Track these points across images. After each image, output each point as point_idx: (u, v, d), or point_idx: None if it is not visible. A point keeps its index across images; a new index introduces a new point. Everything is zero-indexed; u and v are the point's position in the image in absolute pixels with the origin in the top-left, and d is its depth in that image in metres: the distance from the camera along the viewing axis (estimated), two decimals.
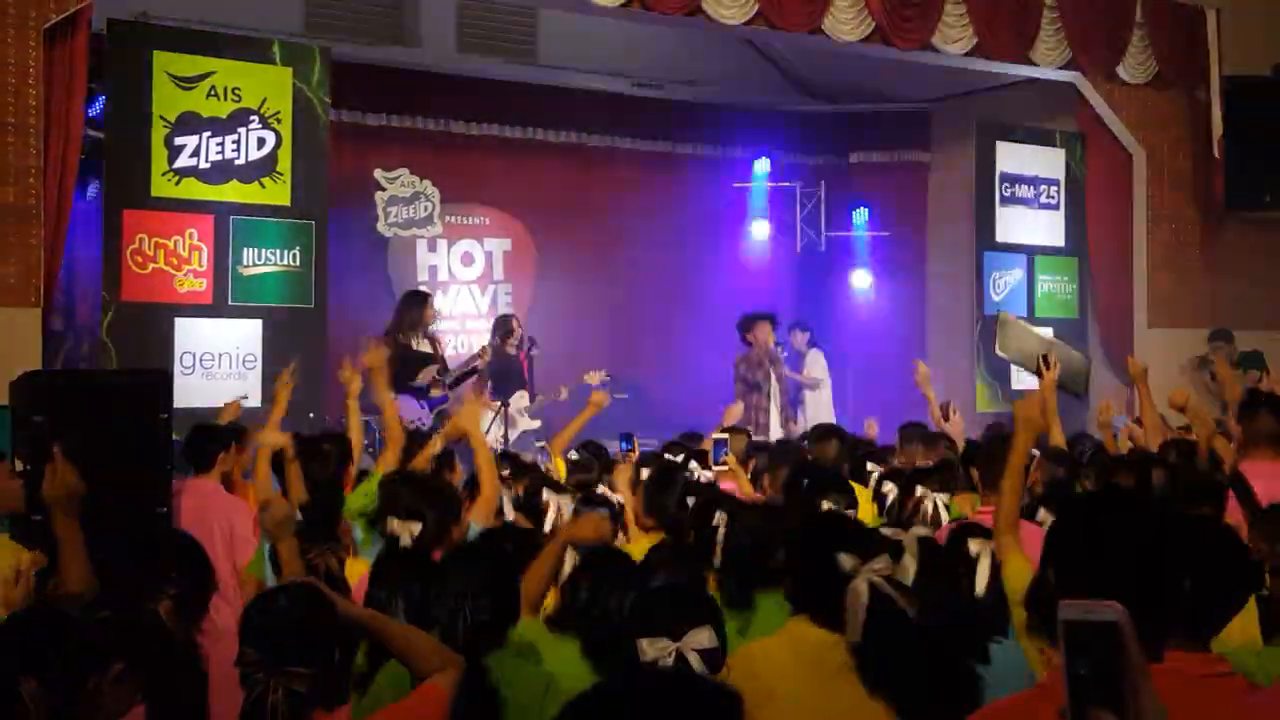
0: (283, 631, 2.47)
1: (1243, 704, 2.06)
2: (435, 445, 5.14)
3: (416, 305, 8.98)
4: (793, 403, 10.43)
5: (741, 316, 10.08)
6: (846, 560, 2.77)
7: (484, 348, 9.25)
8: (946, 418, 7.25)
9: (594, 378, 9.18)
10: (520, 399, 9.21)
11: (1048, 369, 6.21)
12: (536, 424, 9.32)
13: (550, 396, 9.26)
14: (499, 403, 8.90)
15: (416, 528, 3.75)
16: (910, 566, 3.02)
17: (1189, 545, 2.22)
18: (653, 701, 1.50)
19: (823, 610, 2.82)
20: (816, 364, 10.75)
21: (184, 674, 2.85)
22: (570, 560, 3.45)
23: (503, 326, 9.61)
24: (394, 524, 3.79)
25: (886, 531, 3.17)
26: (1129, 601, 1.93)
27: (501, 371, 9.25)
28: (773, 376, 9.76)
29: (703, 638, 2.50)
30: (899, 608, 2.74)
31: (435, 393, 8.84)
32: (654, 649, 2.45)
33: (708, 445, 5.97)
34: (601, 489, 5.07)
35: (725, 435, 6.06)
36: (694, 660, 2.47)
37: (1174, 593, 2.03)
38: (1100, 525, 2.09)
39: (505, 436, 8.80)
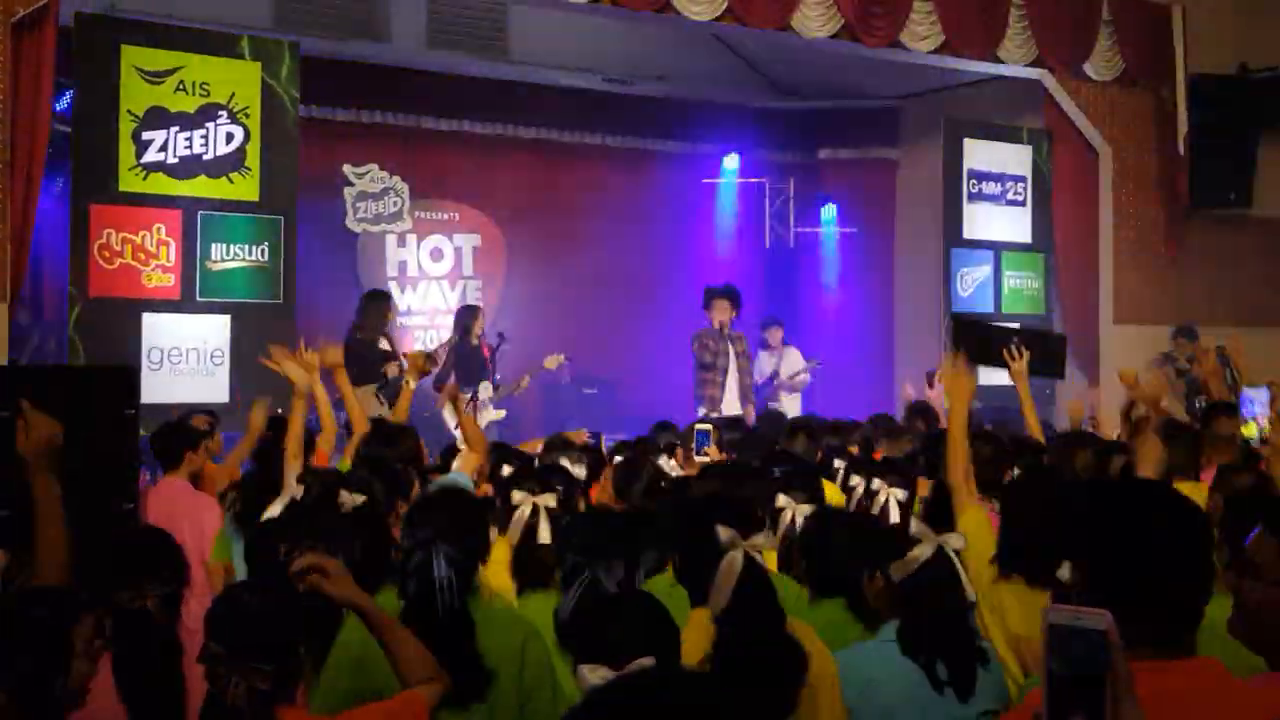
0: (247, 628, 2.47)
1: (1249, 694, 2.05)
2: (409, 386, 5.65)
3: (377, 304, 9.09)
4: (771, 400, 10.34)
5: (705, 290, 9.81)
6: (724, 533, 2.76)
7: (438, 348, 9.33)
8: (931, 385, 7.24)
9: (552, 362, 9.27)
10: (484, 390, 9.27)
11: (1015, 358, 6.21)
12: (501, 414, 9.37)
13: (511, 389, 9.35)
14: (467, 394, 8.95)
15: (360, 499, 3.76)
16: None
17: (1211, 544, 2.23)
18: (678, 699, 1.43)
19: (705, 589, 2.81)
20: (797, 361, 10.70)
21: (170, 670, 2.84)
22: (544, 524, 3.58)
23: (465, 318, 9.63)
24: (344, 495, 3.78)
25: (915, 530, 3.14)
26: (1166, 598, 1.94)
27: (465, 363, 9.29)
28: (731, 354, 9.45)
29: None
30: (769, 586, 2.75)
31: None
32: (594, 676, 2.34)
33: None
34: (564, 461, 5.15)
35: (708, 426, 6.07)
36: None
37: (1203, 590, 2.01)
38: (1144, 518, 2.04)
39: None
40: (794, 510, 3.91)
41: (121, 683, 2.65)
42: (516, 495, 3.78)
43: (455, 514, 3.11)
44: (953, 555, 3.01)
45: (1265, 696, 2.10)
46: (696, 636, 2.72)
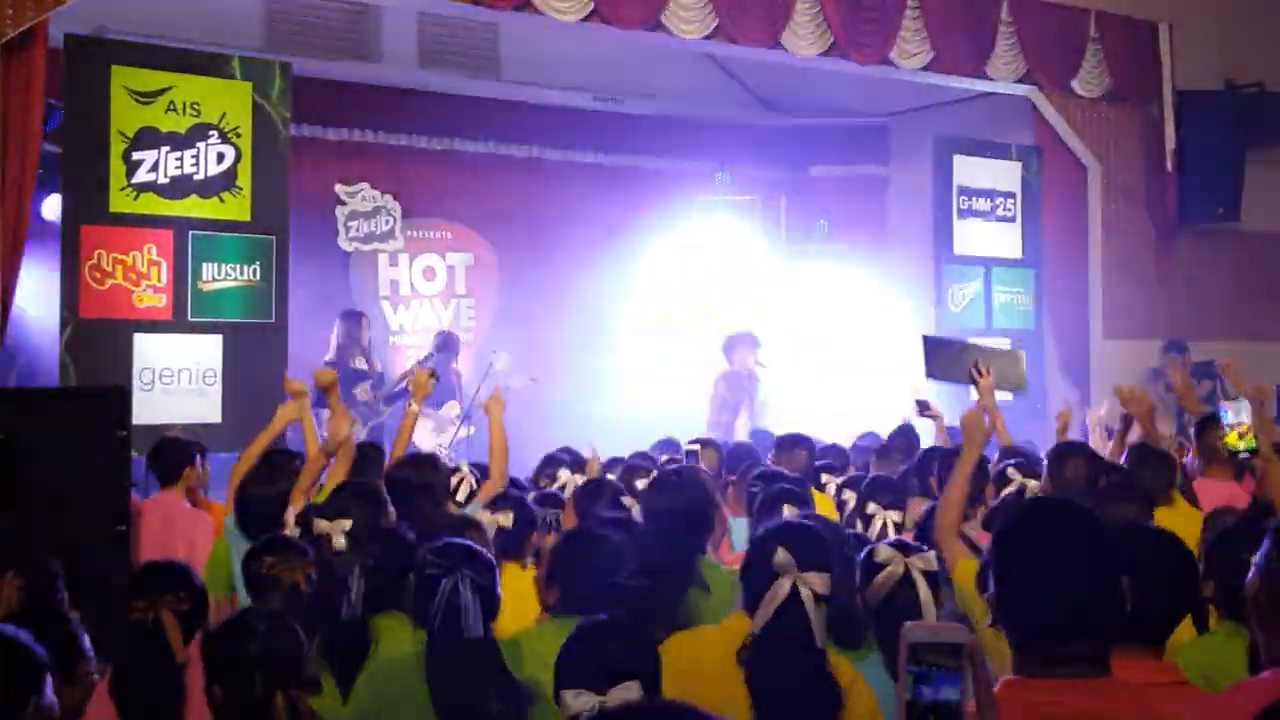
0: (252, 666, 2.46)
1: (1189, 710, 2.08)
2: (413, 409, 5.71)
3: (348, 324, 9.17)
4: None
5: (726, 338, 10.17)
6: (782, 556, 2.81)
7: (415, 369, 9.39)
8: (921, 412, 7.28)
9: (501, 360, 9.32)
10: (450, 408, 9.36)
11: (981, 376, 6.25)
12: (470, 430, 9.46)
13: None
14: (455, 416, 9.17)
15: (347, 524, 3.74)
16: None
17: (1128, 551, 2.25)
18: None
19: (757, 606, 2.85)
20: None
21: (172, 685, 2.82)
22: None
23: (452, 347, 9.71)
24: (321, 524, 3.73)
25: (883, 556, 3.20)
26: (1072, 608, 1.97)
27: (439, 384, 9.42)
28: (754, 398, 9.79)
29: (627, 694, 2.40)
30: (808, 621, 2.78)
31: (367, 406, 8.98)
32: (577, 703, 2.38)
33: None
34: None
35: (695, 448, 6.07)
36: None
37: (1112, 598, 2.03)
38: (1039, 533, 2.09)
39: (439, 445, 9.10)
40: None
41: (118, 693, 2.64)
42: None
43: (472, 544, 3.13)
44: (918, 575, 3.08)
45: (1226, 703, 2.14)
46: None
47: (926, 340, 7.26)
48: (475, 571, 2.94)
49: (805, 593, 2.76)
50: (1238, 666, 2.72)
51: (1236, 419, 5.58)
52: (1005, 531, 2.14)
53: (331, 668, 2.94)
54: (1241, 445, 5.54)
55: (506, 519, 3.70)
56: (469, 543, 3.14)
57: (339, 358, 9.10)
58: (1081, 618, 2.00)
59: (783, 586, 2.76)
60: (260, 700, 2.42)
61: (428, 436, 9.37)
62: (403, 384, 9.21)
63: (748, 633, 2.82)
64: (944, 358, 6.73)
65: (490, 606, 2.97)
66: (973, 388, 6.08)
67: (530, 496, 4.84)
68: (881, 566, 3.14)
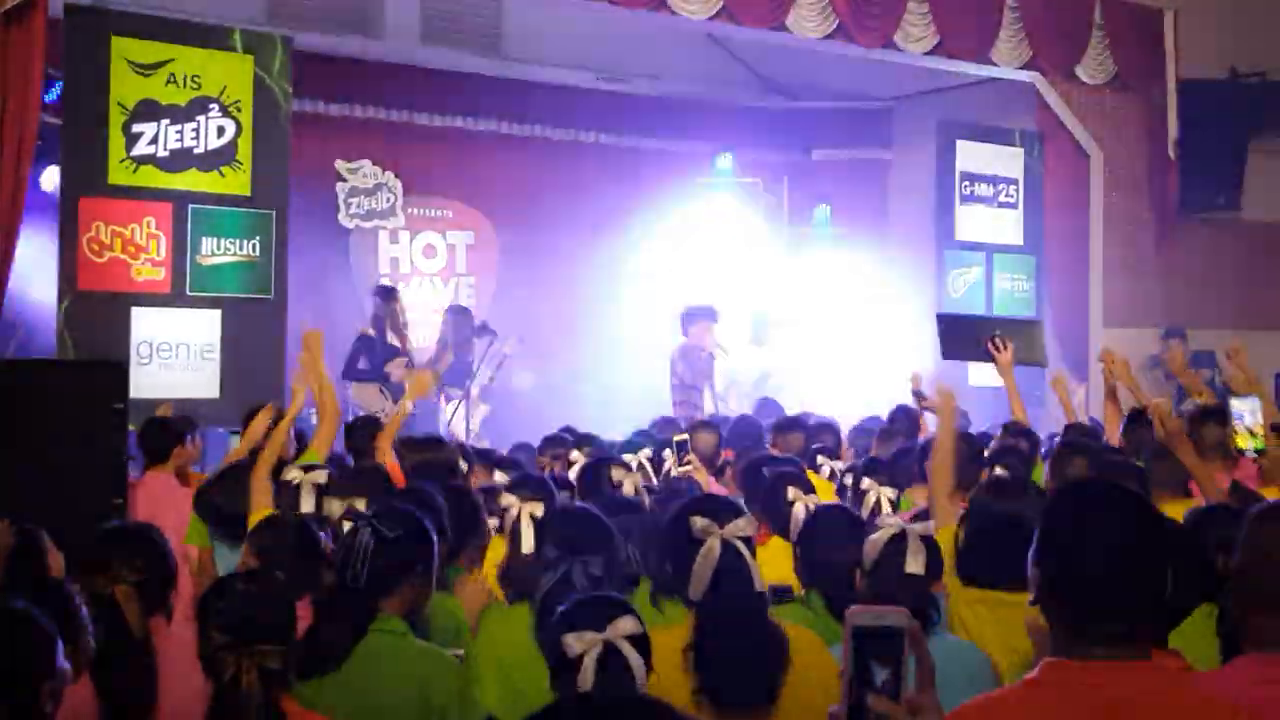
0: (249, 610, 2.45)
1: (1201, 693, 2.07)
2: (405, 408, 5.39)
3: (389, 299, 9.16)
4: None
5: (685, 309, 9.80)
6: (699, 522, 2.76)
7: (446, 351, 9.39)
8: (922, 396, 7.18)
9: (509, 346, 9.32)
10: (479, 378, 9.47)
11: (999, 351, 6.20)
12: (485, 408, 9.46)
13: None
14: (460, 391, 9.18)
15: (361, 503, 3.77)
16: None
17: (1165, 543, 2.21)
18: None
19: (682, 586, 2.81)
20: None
21: (136, 659, 2.80)
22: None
23: (476, 328, 9.68)
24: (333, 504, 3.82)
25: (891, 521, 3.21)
26: (1119, 590, 1.95)
27: (456, 364, 9.53)
28: (710, 374, 9.54)
29: (628, 625, 2.45)
30: (747, 574, 2.73)
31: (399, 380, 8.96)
32: (580, 643, 2.40)
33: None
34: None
35: (686, 436, 6.05)
36: (625, 648, 2.42)
37: (1157, 582, 2.02)
38: (1090, 513, 2.06)
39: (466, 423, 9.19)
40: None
41: (95, 668, 2.62)
42: (506, 499, 3.73)
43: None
44: (910, 533, 3.08)
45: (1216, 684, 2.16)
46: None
47: (941, 318, 7.20)
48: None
49: (736, 542, 2.72)
50: (1210, 647, 2.73)
51: (1252, 419, 5.56)
52: (1053, 510, 2.12)
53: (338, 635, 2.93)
54: (1251, 445, 5.51)
55: (538, 509, 3.65)
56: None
57: (378, 333, 9.05)
58: (1127, 600, 1.98)
59: (712, 548, 2.72)
60: (234, 662, 2.40)
61: (460, 414, 9.44)
62: (435, 363, 9.29)
63: (689, 617, 2.75)
64: (960, 336, 6.66)
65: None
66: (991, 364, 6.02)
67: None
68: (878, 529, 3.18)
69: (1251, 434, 5.52)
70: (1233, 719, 1.97)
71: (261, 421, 5.31)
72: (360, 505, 3.72)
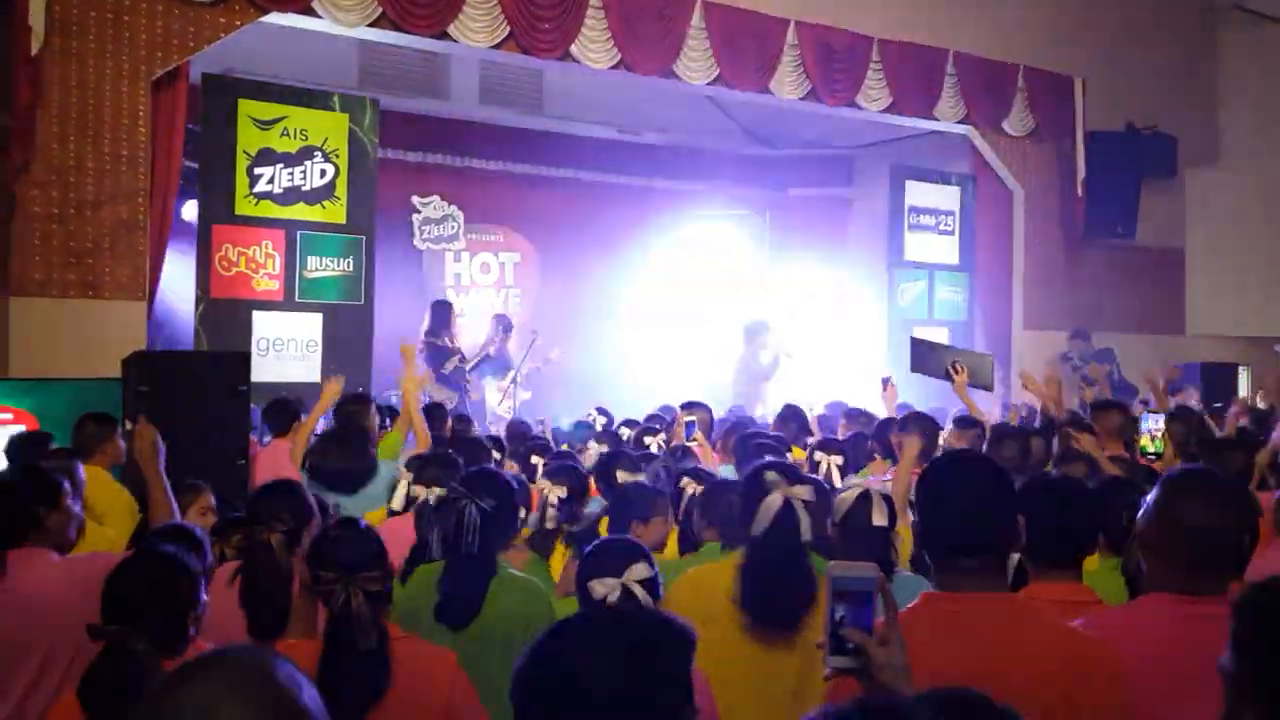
0: (353, 547, 2.44)
1: (1087, 622, 2.11)
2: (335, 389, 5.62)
3: (445, 311, 9.22)
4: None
5: (748, 323, 9.87)
6: (771, 476, 2.74)
7: (490, 343, 9.50)
8: (885, 388, 7.18)
9: (555, 354, 9.38)
10: (503, 379, 9.54)
11: (957, 374, 6.27)
12: (526, 395, 9.50)
13: (537, 362, 9.47)
14: (509, 382, 9.23)
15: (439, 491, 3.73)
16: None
17: (1022, 494, 2.26)
18: (614, 633, 1.41)
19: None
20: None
21: (283, 590, 2.79)
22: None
23: (507, 326, 9.79)
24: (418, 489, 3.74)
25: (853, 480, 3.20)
26: (971, 528, 1.99)
27: (500, 359, 9.61)
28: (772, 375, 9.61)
29: (640, 569, 2.45)
30: (798, 526, 2.68)
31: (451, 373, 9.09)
32: (603, 587, 2.40)
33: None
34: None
35: (693, 417, 6.09)
36: (637, 590, 2.41)
37: (1004, 524, 2.04)
38: (949, 473, 2.11)
39: (513, 408, 9.18)
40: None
41: (245, 598, 2.65)
42: (540, 484, 3.81)
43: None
44: (873, 492, 2.98)
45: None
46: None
47: (914, 341, 7.25)
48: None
49: (796, 502, 2.71)
50: (1118, 593, 2.71)
51: (1155, 426, 5.67)
52: (924, 474, 2.16)
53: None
54: (1151, 448, 5.61)
55: (563, 491, 3.67)
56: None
57: (436, 337, 9.10)
58: (976, 537, 2.00)
59: (776, 499, 2.69)
60: (344, 589, 2.39)
61: (492, 398, 9.48)
62: (481, 356, 9.35)
63: (742, 550, 2.73)
64: (926, 356, 6.75)
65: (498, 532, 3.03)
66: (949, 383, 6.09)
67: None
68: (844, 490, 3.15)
69: (1152, 439, 5.64)
70: (1036, 619, 2.00)
71: (329, 395, 5.57)
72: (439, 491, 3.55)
